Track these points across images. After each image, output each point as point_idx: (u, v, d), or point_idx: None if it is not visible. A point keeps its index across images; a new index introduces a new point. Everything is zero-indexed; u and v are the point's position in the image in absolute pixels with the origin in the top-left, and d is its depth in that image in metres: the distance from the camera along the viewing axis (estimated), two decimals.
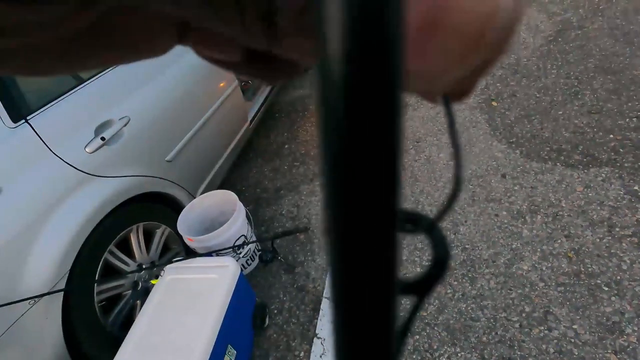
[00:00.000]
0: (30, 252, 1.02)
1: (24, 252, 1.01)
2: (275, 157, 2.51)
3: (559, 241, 1.44)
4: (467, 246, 1.54)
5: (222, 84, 1.98)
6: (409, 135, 2.31)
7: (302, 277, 1.65)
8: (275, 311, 1.55)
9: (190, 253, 1.60)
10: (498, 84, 2.49)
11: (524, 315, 1.26)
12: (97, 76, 1.35)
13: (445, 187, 1.85)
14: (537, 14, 3.23)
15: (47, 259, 1.04)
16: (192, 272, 1.28)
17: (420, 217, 0.17)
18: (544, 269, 1.37)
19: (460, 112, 2.35)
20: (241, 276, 1.31)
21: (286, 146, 2.59)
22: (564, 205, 1.56)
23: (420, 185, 1.92)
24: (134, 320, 1.40)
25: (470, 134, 2.15)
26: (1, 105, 1.07)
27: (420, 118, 2.42)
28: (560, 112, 2.05)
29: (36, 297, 0.99)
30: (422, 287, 0.15)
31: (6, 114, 1.06)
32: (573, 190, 1.61)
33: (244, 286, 1.33)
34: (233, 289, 1.23)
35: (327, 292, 1.54)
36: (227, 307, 1.18)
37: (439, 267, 0.15)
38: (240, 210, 1.58)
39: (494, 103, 2.32)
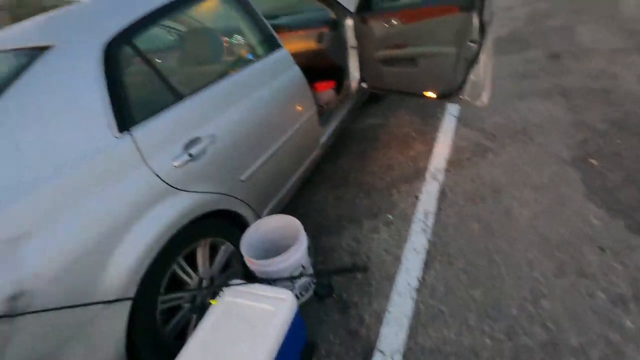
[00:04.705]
0: (112, 258, 1.07)
1: (107, 257, 1.06)
2: (340, 185, 2.47)
3: None
4: (550, 326, 1.34)
5: (300, 108, 2.01)
6: (486, 182, 2.13)
7: (355, 320, 1.55)
8: (323, 352, 1.47)
9: (247, 273, 1.60)
10: (599, 140, 2.22)
11: None
12: (194, 94, 1.43)
13: (527, 250, 1.65)
14: None
15: (126, 265, 1.09)
16: (250, 298, 1.26)
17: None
18: None
19: (549, 166, 2.12)
20: (297, 312, 1.26)
21: (352, 175, 2.55)
22: None
23: (496, 241, 1.74)
24: (187, 333, 1.43)
25: (560, 193, 1.92)
26: (112, 114, 1.16)
27: (502, 165, 2.23)
28: None
29: (107, 302, 1.03)
30: None
31: (115, 123, 1.15)
32: None
33: (298, 323, 1.28)
34: (288, 326, 1.19)
35: (380, 343, 1.44)
36: (279, 345, 1.14)
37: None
38: (303, 240, 1.55)
39: (592, 161, 2.07)
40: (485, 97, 2.28)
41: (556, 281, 1.48)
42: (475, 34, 2.01)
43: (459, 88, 2.22)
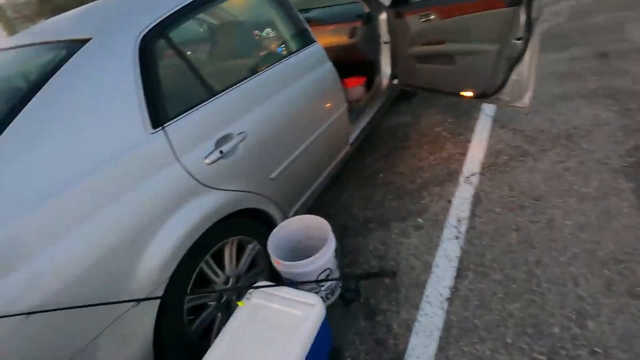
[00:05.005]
0: (143, 255, 1.06)
1: (138, 254, 1.06)
2: (368, 185, 2.41)
3: None
4: (597, 349, 1.24)
5: (331, 105, 1.95)
6: (525, 188, 2.01)
7: (382, 328, 1.50)
8: (349, 359, 1.43)
9: (273, 273, 1.57)
10: None
11: None
12: (227, 89, 1.40)
13: (570, 264, 1.54)
14: None
15: (156, 263, 1.08)
16: (278, 301, 1.23)
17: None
18: None
19: (597, 174, 1.98)
20: (325, 319, 1.22)
21: (381, 175, 2.47)
22: None
23: (537, 254, 1.63)
24: (212, 331, 1.42)
25: (609, 204, 1.78)
26: (146, 110, 1.15)
27: (543, 171, 2.10)
28: None
29: (136, 300, 1.02)
30: None
31: (149, 119, 1.14)
32: None
33: (326, 329, 1.24)
34: (316, 332, 1.15)
35: (409, 355, 1.38)
36: (307, 352, 1.10)
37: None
38: (331, 242, 1.51)
39: None
40: (527, 98, 2.15)
41: (604, 300, 1.37)
42: (521, 31, 1.88)
43: (500, 88, 2.09)
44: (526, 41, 1.88)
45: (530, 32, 1.85)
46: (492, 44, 2.00)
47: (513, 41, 1.93)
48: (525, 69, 2.00)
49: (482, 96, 2.21)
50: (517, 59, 1.95)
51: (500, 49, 1.99)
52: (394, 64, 2.76)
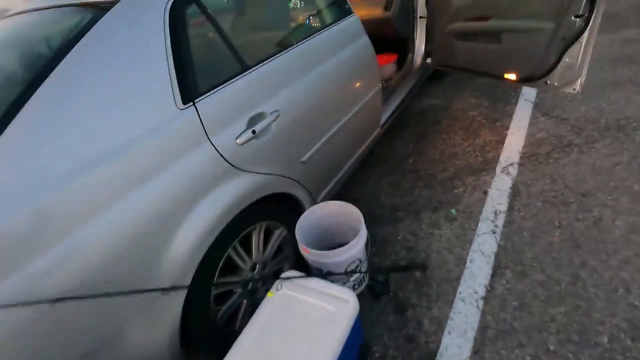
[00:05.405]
0: (172, 241, 1.00)
1: (167, 240, 0.99)
2: (396, 170, 2.29)
3: None
4: None
5: (366, 84, 1.82)
6: (570, 183, 1.87)
7: (412, 324, 1.43)
8: (377, 355, 1.37)
9: (299, 260, 1.51)
10: None
11: None
12: (261, 63, 1.29)
13: (621, 268, 1.42)
14: None
15: (185, 249, 1.02)
16: (309, 294, 1.16)
17: None
18: None
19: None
20: (358, 315, 1.15)
21: (410, 160, 2.35)
22: None
23: (582, 255, 1.51)
24: (237, 317, 1.38)
25: None
26: (177, 84, 1.05)
27: (590, 164, 1.94)
28: None
29: (163, 289, 0.96)
30: None
31: (179, 94, 1.04)
32: None
33: (358, 325, 1.18)
34: (349, 330, 1.09)
35: (442, 355, 1.31)
36: (340, 350, 1.04)
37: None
38: (363, 233, 1.42)
39: None
40: (578, 84, 1.96)
41: None
42: (582, 7, 1.68)
43: (549, 71, 1.92)
44: (587, 19, 1.69)
45: (593, 9, 1.66)
46: (547, 21, 1.81)
47: (572, 18, 1.74)
48: (581, 51, 1.81)
49: (528, 79, 2.04)
50: (574, 39, 1.77)
51: (555, 27, 1.80)
52: (428, 41, 2.57)
